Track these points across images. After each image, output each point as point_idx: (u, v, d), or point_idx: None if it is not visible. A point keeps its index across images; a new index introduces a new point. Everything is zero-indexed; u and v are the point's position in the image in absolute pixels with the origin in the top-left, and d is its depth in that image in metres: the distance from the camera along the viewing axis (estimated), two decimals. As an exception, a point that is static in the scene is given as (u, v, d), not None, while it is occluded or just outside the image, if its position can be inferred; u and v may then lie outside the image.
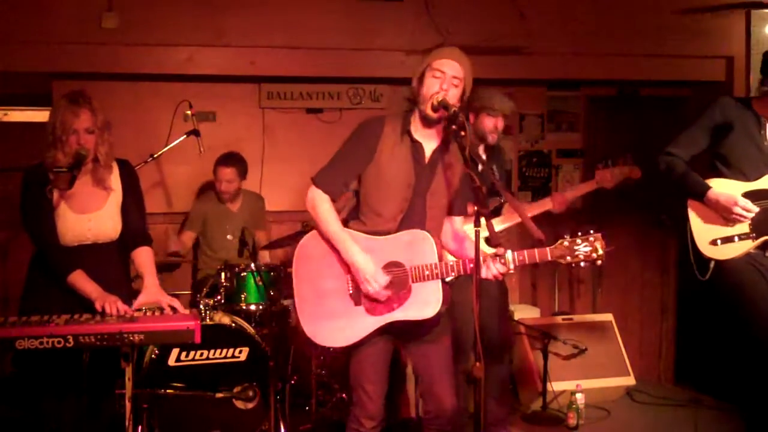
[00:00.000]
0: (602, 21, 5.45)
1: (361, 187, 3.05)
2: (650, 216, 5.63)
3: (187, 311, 3.08)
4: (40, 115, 6.00)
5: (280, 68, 5.15)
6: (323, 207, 2.99)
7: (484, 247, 3.22)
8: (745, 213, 3.37)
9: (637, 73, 5.62)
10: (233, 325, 4.12)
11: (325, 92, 5.57)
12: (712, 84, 5.66)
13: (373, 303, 2.97)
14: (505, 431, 4.26)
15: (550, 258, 2.86)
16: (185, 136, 4.65)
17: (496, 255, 2.86)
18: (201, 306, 4.18)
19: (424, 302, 2.94)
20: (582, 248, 2.83)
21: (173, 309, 3.04)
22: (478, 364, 2.88)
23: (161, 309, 3.04)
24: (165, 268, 5.18)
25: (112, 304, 2.93)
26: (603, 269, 5.61)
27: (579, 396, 4.68)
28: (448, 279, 3.81)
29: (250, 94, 5.50)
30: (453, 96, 2.94)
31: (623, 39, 5.45)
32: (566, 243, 2.85)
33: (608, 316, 5.33)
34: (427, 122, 3.00)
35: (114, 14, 4.82)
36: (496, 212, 4.13)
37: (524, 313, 5.35)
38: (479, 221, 2.83)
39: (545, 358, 4.78)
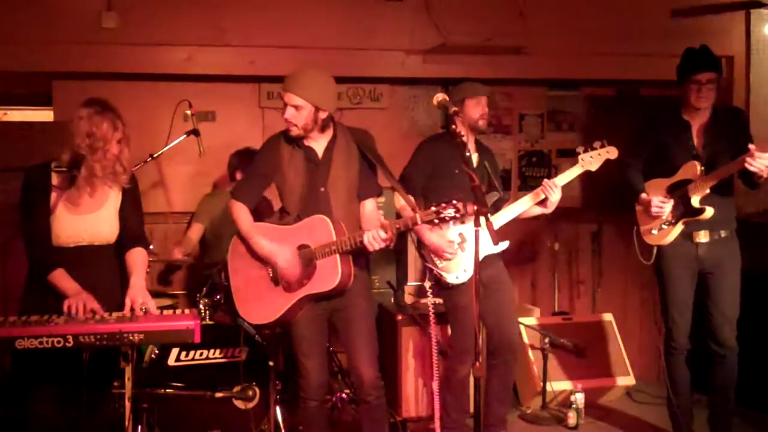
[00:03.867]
0: (602, 21, 5.45)
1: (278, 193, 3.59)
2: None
3: (166, 312, 3.08)
4: (40, 115, 6.00)
5: (280, 68, 5.10)
6: (240, 214, 3.53)
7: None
8: (658, 209, 3.98)
9: (637, 73, 5.61)
10: (233, 325, 4.12)
11: (325, 92, 5.56)
12: (712, 84, 5.65)
13: (287, 282, 3.45)
14: (504, 431, 4.26)
15: (419, 222, 3.20)
16: (185, 135, 4.64)
17: (380, 226, 3.27)
18: (201, 305, 4.18)
19: (327, 275, 3.38)
20: (447, 212, 3.14)
21: (145, 311, 3.02)
22: (478, 363, 2.89)
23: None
24: (169, 270, 5.19)
25: (79, 303, 2.92)
26: (603, 269, 5.61)
27: (579, 396, 4.68)
28: (459, 280, 3.88)
29: (250, 94, 5.50)
30: (301, 117, 3.37)
31: (623, 39, 5.44)
32: (434, 208, 3.16)
33: (608, 316, 5.32)
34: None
35: (114, 14, 4.82)
36: (496, 208, 4.14)
37: (524, 313, 5.34)
38: (479, 220, 2.86)
39: (545, 358, 4.78)
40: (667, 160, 4.02)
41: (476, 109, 4.07)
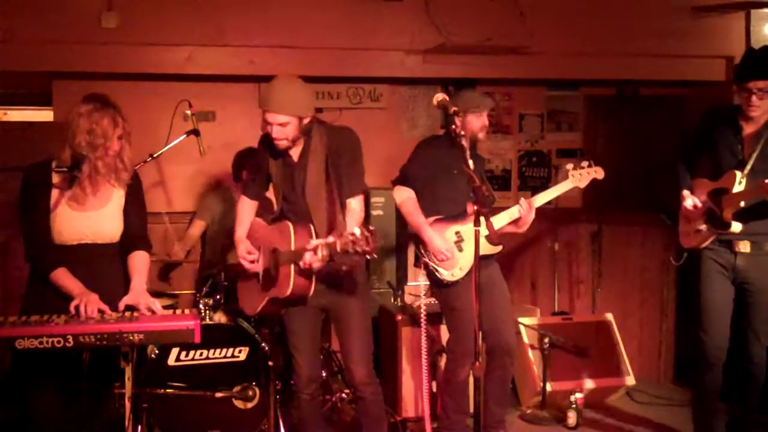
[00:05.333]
0: (602, 21, 5.45)
1: None
2: (650, 216, 5.63)
3: (165, 312, 3.07)
4: (40, 115, 6.01)
5: (280, 68, 5.11)
6: (240, 206, 3.71)
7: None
8: (688, 211, 3.84)
9: (637, 73, 5.61)
10: (233, 324, 4.12)
11: (325, 92, 5.57)
12: (712, 84, 5.66)
13: (264, 281, 3.52)
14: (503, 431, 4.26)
15: (338, 250, 3.05)
16: (185, 135, 4.64)
17: (311, 248, 3.18)
18: (201, 305, 4.18)
19: (283, 284, 3.39)
20: (359, 246, 2.97)
21: (150, 311, 3.01)
22: (477, 363, 2.89)
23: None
24: (168, 268, 5.20)
25: (89, 305, 2.92)
26: (603, 269, 5.61)
27: (579, 396, 4.68)
28: (455, 278, 3.90)
29: (250, 94, 5.50)
30: (288, 131, 3.36)
31: (623, 39, 5.45)
32: (351, 238, 3.01)
33: (608, 316, 5.32)
34: None
35: (114, 14, 4.82)
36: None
37: (524, 313, 5.34)
38: (479, 221, 2.87)
39: (545, 358, 4.78)
40: (715, 162, 3.83)
41: (477, 121, 4.05)
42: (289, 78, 3.41)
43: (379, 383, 3.64)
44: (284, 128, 3.35)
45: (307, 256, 3.17)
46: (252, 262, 3.56)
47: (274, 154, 3.52)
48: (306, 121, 3.41)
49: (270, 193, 3.78)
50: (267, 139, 3.50)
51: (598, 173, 4.06)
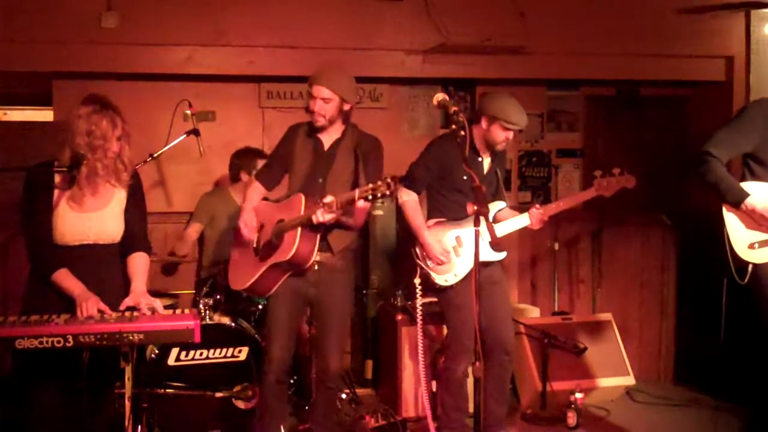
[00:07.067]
0: (602, 21, 5.45)
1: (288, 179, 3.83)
2: (650, 216, 5.63)
3: (167, 312, 3.06)
4: (40, 115, 6.01)
5: (280, 68, 5.15)
6: (250, 190, 3.84)
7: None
8: None
9: (637, 73, 5.61)
10: (233, 324, 4.12)
11: (326, 92, 5.55)
12: (712, 84, 5.66)
13: (263, 252, 3.68)
14: (503, 431, 4.26)
15: (356, 198, 3.28)
16: (185, 135, 4.64)
17: (323, 203, 3.40)
18: (201, 305, 4.18)
19: (286, 247, 3.56)
20: (381, 190, 3.19)
21: (152, 310, 3.01)
22: (477, 363, 2.89)
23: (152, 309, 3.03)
24: (168, 269, 5.20)
25: (91, 305, 2.92)
26: (603, 269, 5.61)
27: (579, 396, 4.68)
28: (448, 283, 3.90)
29: (250, 94, 5.51)
30: (329, 109, 3.61)
31: (623, 39, 5.45)
32: (370, 186, 3.23)
33: (608, 316, 5.32)
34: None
35: (114, 14, 4.82)
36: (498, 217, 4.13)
37: (524, 313, 5.34)
38: (479, 221, 2.87)
39: (545, 358, 4.78)
40: (766, 159, 3.41)
41: (501, 134, 3.95)
42: (343, 66, 3.83)
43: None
44: (326, 104, 3.60)
45: (319, 213, 3.38)
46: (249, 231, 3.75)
47: (305, 140, 3.71)
48: (346, 107, 3.66)
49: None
50: (304, 127, 3.74)
51: (629, 182, 3.84)
